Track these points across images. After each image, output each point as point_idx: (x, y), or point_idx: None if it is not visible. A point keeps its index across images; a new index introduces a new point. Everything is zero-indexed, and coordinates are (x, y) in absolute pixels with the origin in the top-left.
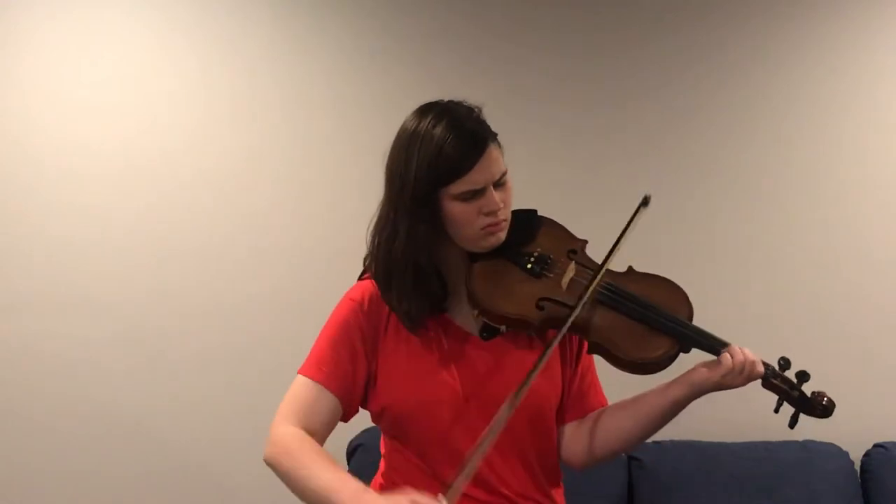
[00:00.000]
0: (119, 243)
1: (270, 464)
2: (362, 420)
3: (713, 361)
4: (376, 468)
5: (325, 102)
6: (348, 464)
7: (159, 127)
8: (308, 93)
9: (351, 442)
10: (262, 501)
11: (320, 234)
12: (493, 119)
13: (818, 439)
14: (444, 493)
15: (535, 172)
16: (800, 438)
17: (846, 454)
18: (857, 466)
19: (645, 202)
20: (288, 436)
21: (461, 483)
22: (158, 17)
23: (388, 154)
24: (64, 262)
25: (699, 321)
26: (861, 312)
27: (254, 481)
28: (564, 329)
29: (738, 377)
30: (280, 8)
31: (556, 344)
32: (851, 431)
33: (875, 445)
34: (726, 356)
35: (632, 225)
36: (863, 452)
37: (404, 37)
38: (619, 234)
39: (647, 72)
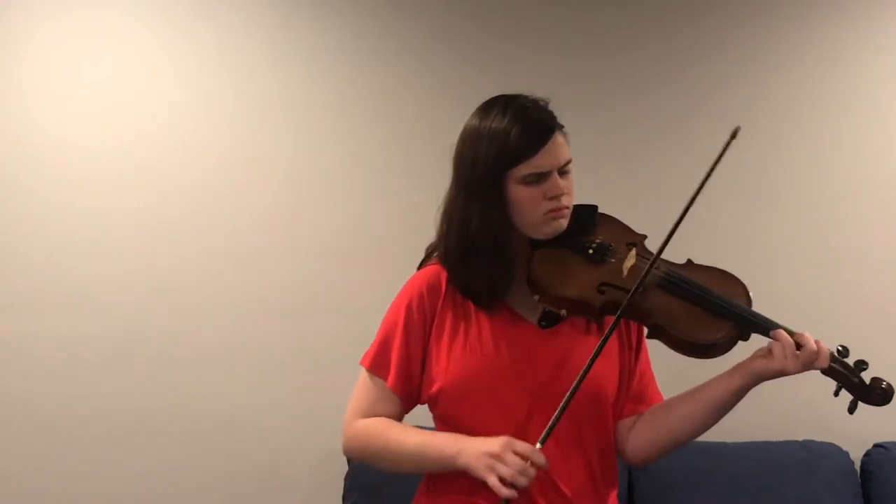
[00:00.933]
0: (119, 243)
1: (355, 452)
2: None
3: (765, 349)
4: (377, 468)
5: (326, 102)
6: (348, 464)
7: (159, 127)
8: (308, 93)
9: None
10: (264, 501)
11: (321, 235)
12: None
13: (818, 439)
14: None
15: None
16: (800, 438)
17: (846, 454)
18: (857, 466)
19: (734, 135)
20: (363, 425)
21: (549, 431)
22: (159, 17)
23: (455, 144)
24: (64, 261)
25: None
26: (860, 312)
27: (256, 481)
28: (623, 309)
29: (795, 362)
30: (281, 8)
31: (618, 324)
32: (851, 431)
33: (875, 445)
34: (775, 342)
35: (719, 162)
36: (863, 452)
37: (405, 36)
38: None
39: (648, 72)
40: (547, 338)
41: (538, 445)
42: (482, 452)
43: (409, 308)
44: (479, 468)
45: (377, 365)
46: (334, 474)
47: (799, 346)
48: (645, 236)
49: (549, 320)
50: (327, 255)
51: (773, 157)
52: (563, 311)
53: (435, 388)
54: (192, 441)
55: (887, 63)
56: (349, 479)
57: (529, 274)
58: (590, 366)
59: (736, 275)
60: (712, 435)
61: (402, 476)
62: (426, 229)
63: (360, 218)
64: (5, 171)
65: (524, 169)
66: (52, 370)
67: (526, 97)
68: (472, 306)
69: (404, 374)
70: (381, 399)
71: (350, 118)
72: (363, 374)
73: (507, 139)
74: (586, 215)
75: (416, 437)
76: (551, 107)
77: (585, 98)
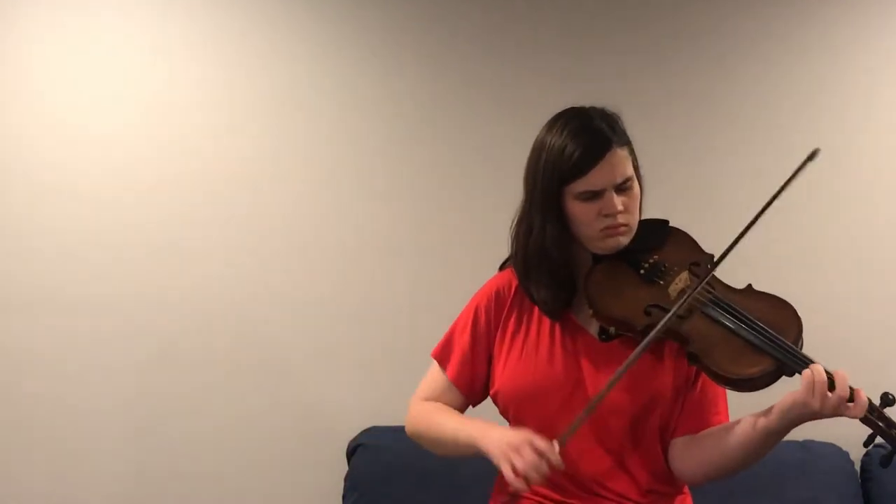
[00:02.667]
0: (123, 243)
1: (411, 433)
2: (362, 420)
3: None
4: (376, 468)
5: (326, 102)
6: (348, 464)
7: (158, 126)
8: (309, 91)
9: (351, 442)
10: (264, 501)
11: (324, 234)
12: (495, 117)
13: (818, 439)
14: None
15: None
16: (800, 438)
17: (846, 454)
18: (857, 466)
19: (812, 157)
20: (423, 407)
21: (570, 433)
22: (159, 16)
23: (528, 156)
24: (64, 262)
25: None
26: (860, 312)
27: (256, 481)
28: (656, 331)
29: (822, 403)
30: (282, 8)
31: (646, 346)
32: (851, 431)
33: (875, 445)
34: (807, 373)
35: (789, 184)
36: (863, 452)
37: (416, 37)
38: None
39: (650, 70)
40: (602, 352)
41: (557, 446)
42: (503, 441)
43: (477, 310)
44: (497, 455)
45: (442, 357)
46: (334, 474)
47: (832, 386)
48: (712, 256)
49: (608, 335)
50: (335, 255)
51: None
52: (612, 329)
53: (494, 389)
54: (192, 441)
55: (887, 59)
56: (349, 479)
57: (584, 287)
58: (615, 381)
59: (794, 305)
60: None
61: (402, 476)
62: (430, 230)
63: (363, 218)
64: (5, 171)
65: (578, 186)
66: (52, 370)
67: (592, 110)
68: (536, 313)
69: (465, 370)
70: (442, 388)
71: (353, 117)
72: (433, 364)
73: (563, 155)
74: (655, 231)
75: (453, 421)
76: (627, 114)
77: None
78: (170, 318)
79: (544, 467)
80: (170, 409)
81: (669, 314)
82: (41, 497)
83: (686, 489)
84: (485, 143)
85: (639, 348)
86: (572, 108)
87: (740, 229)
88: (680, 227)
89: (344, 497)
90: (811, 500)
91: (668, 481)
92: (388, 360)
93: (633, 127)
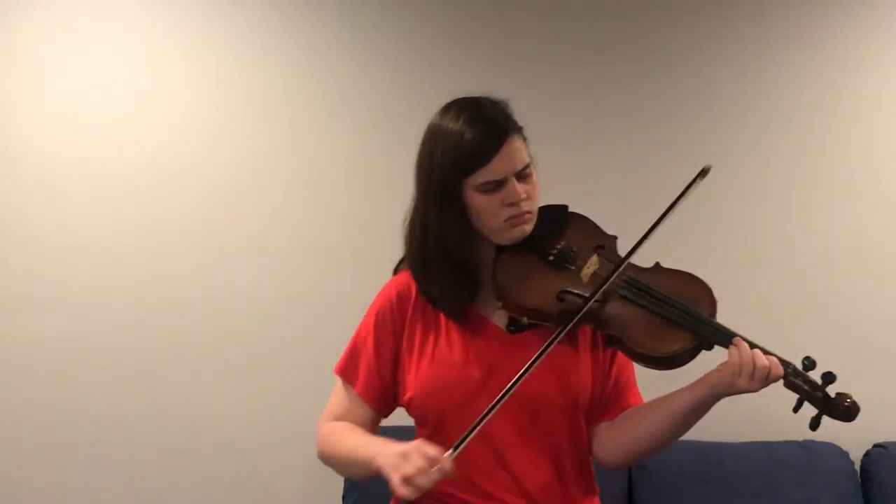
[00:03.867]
0: (127, 244)
1: (320, 457)
2: None
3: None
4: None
5: (322, 101)
6: None
7: (156, 127)
8: (305, 91)
9: None
10: (264, 501)
11: (328, 236)
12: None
13: (818, 439)
14: (451, 450)
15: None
16: (800, 438)
17: (846, 454)
18: (857, 466)
19: (703, 173)
20: (326, 429)
21: (464, 442)
22: (162, 16)
23: (418, 150)
24: (64, 262)
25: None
26: (860, 312)
27: (256, 481)
28: (575, 319)
29: (752, 382)
30: (277, 11)
31: (564, 333)
32: (851, 431)
33: (875, 445)
34: (733, 350)
35: (682, 198)
36: (863, 452)
37: (409, 35)
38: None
39: (638, 69)
40: (515, 344)
41: (449, 453)
42: (393, 453)
43: (378, 317)
44: (387, 467)
45: (347, 372)
46: (334, 474)
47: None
48: (615, 237)
49: (517, 325)
50: (328, 255)
51: (756, 157)
52: (525, 319)
53: (407, 396)
54: (191, 441)
55: (886, 60)
56: (349, 479)
57: (492, 279)
58: (521, 377)
59: (704, 279)
60: (712, 435)
61: None
62: None
63: (353, 218)
64: (5, 171)
65: (479, 177)
66: (52, 370)
67: (483, 99)
68: (443, 314)
69: (373, 382)
70: (351, 405)
71: (347, 117)
72: (337, 381)
73: (460, 147)
74: (555, 216)
75: (352, 441)
76: (515, 106)
77: (585, 96)
78: (170, 317)
79: (434, 473)
80: (168, 409)
81: (591, 299)
82: (42, 496)
83: (596, 490)
84: None
85: (555, 336)
86: (461, 99)
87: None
88: (577, 211)
89: (344, 497)
90: (811, 500)
91: (587, 476)
92: None
93: (634, 125)
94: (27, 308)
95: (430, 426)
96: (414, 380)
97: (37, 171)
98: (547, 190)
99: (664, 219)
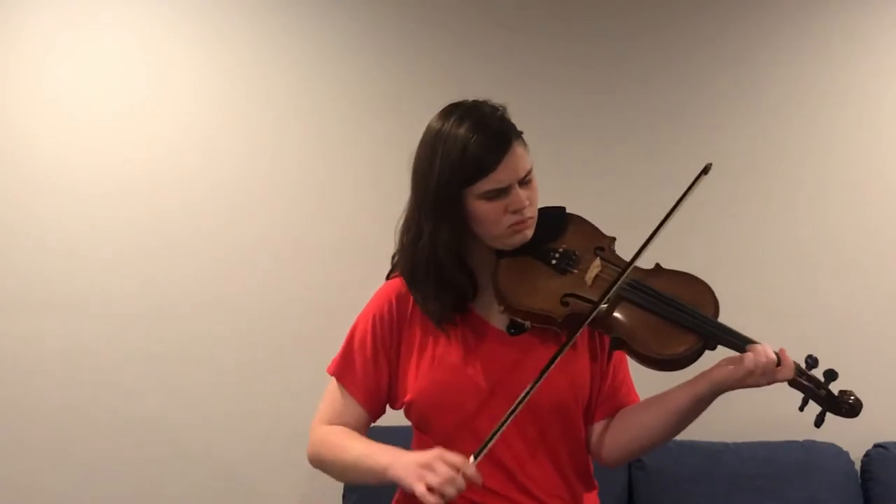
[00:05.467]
0: (130, 243)
1: (313, 461)
2: None
3: (736, 358)
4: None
5: (321, 101)
6: None
7: (156, 127)
8: (317, 92)
9: None
10: (263, 501)
11: (328, 236)
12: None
13: (818, 439)
14: (473, 456)
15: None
16: (800, 438)
17: (846, 454)
18: (858, 466)
19: (705, 171)
20: (321, 434)
21: (486, 447)
22: (158, 18)
23: (413, 155)
24: (63, 262)
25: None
26: (860, 311)
27: (256, 480)
28: (585, 324)
29: (761, 378)
30: (280, 11)
31: (575, 338)
32: (851, 431)
33: (875, 445)
34: (749, 355)
35: (686, 196)
36: (863, 452)
37: (406, 35)
38: (660, 220)
39: (642, 67)
40: (517, 347)
41: (472, 459)
42: (413, 463)
43: (375, 320)
44: (409, 477)
45: (341, 373)
46: None
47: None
48: (613, 238)
49: (518, 328)
50: (329, 255)
51: (759, 156)
52: (528, 323)
53: (406, 399)
54: (191, 441)
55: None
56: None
57: (493, 283)
58: (536, 383)
59: (705, 279)
60: (713, 435)
61: None
62: None
63: (363, 219)
64: (5, 171)
65: (484, 185)
66: (52, 370)
67: (483, 104)
68: None
69: (368, 384)
70: (345, 407)
71: (347, 119)
72: (331, 381)
73: (465, 155)
74: (553, 218)
75: (357, 449)
76: (512, 110)
77: (583, 98)
78: (171, 316)
79: (460, 481)
80: (170, 409)
81: (598, 304)
82: (42, 495)
83: (595, 485)
84: None
85: (567, 340)
86: (461, 104)
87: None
88: (575, 213)
89: (344, 497)
90: (811, 499)
91: (586, 471)
92: None
93: (638, 125)
94: (27, 308)
95: (429, 427)
96: (414, 381)
97: (36, 171)
98: (542, 190)
99: (668, 219)
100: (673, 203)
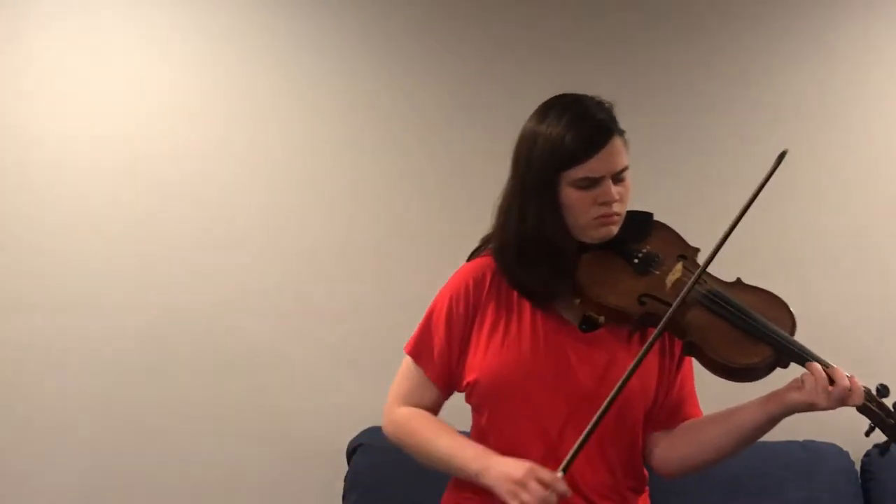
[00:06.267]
0: (131, 244)
1: (393, 443)
2: (362, 420)
3: (799, 380)
4: (376, 468)
5: (322, 102)
6: (348, 464)
7: (157, 126)
8: (305, 93)
9: (351, 442)
10: (263, 501)
11: (329, 236)
12: (495, 118)
13: (818, 439)
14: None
15: None
16: (800, 438)
17: (846, 454)
18: (858, 466)
19: (781, 158)
20: (404, 416)
21: (573, 459)
22: (162, 18)
23: (516, 141)
24: (63, 262)
25: None
26: (860, 311)
27: (255, 481)
28: (663, 324)
29: (828, 397)
30: (284, 13)
31: (657, 339)
32: (852, 431)
33: (875, 445)
34: (807, 374)
35: (764, 187)
36: (863, 452)
37: (411, 37)
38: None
39: (653, 74)
40: (586, 342)
41: (560, 474)
42: (506, 477)
43: (452, 300)
44: (503, 492)
45: (418, 353)
46: (334, 474)
47: (832, 381)
48: (698, 249)
49: (590, 324)
50: (328, 256)
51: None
52: (602, 318)
53: (471, 378)
54: (190, 441)
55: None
56: (349, 479)
57: (574, 276)
58: (623, 385)
59: (784, 299)
60: None
61: (402, 476)
62: (427, 231)
63: (362, 219)
64: (5, 171)
65: (577, 172)
66: (52, 370)
67: (589, 98)
68: (515, 301)
69: (444, 364)
70: (420, 386)
71: (351, 120)
72: (406, 360)
73: (563, 141)
74: (640, 222)
75: (445, 442)
76: (616, 111)
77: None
78: (170, 319)
79: (553, 498)
80: (167, 409)
81: (677, 301)
82: (42, 494)
83: (646, 489)
84: (481, 145)
85: (651, 340)
86: (567, 95)
87: (724, 229)
88: (663, 221)
89: (344, 497)
90: (812, 499)
91: (639, 476)
92: (387, 360)
93: (636, 126)
94: (27, 308)
95: (490, 410)
96: (481, 361)
97: (36, 171)
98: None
99: (745, 214)
100: (750, 195)
